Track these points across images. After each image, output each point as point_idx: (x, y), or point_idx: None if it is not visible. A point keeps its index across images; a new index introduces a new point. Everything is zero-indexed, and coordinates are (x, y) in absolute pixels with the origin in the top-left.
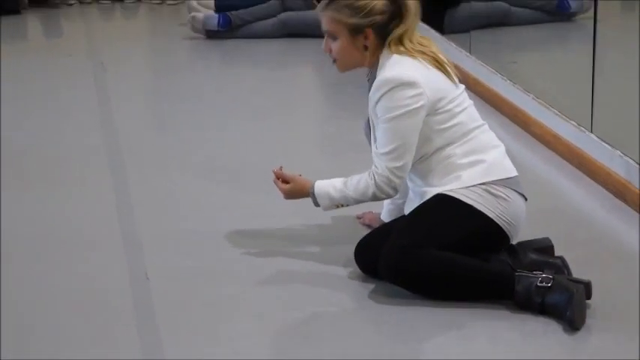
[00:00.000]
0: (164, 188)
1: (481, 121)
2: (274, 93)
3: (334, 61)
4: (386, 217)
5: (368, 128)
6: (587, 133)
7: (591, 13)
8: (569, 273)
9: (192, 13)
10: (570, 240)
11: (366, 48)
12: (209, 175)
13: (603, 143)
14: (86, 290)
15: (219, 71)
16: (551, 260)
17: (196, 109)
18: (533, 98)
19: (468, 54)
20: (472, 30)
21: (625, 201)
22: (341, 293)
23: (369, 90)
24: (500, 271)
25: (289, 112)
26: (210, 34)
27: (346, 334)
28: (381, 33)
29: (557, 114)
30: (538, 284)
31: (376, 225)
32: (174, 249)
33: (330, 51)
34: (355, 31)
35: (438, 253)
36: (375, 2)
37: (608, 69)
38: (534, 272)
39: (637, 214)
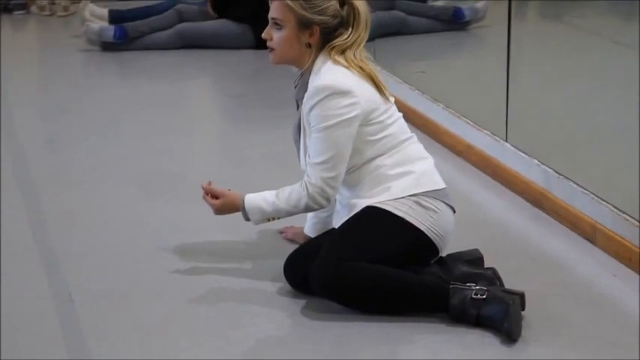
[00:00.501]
0: (78, 205)
1: (410, 134)
2: (177, 106)
3: (271, 50)
4: (310, 232)
5: (297, 134)
6: (501, 142)
7: (485, 22)
8: (502, 284)
9: (86, 24)
10: (494, 251)
11: (308, 46)
12: (123, 190)
13: (519, 152)
14: (8, 315)
15: (117, 84)
16: (482, 272)
17: (98, 123)
18: (443, 108)
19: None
20: (370, 39)
21: (543, 209)
22: (274, 310)
23: (298, 96)
24: (435, 283)
25: (195, 126)
26: (106, 46)
27: (285, 354)
28: (326, 36)
29: (469, 123)
30: (473, 296)
31: (300, 240)
32: (96, 268)
33: (271, 39)
34: (304, 24)
35: (371, 267)
36: (330, 3)
37: (516, 77)
38: (468, 284)
39: (556, 223)
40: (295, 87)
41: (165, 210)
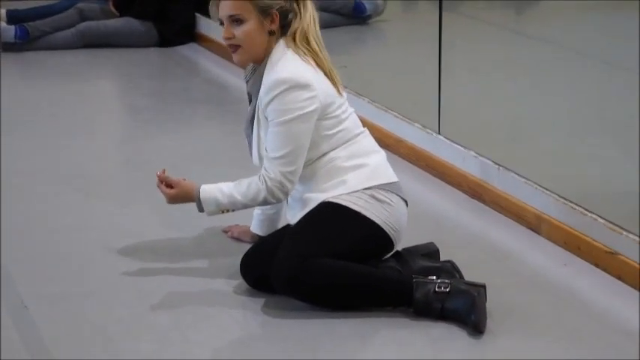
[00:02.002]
0: (18, 211)
1: (363, 128)
2: (89, 106)
3: (235, 49)
4: (256, 229)
5: (250, 128)
6: (434, 135)
7: (384, 16)
8: (461, 276)
9: None
10: (441, 244)
11: (271, 33)
12: (59, 193)
13: (455, 144)
14: None
15: (20, 85)
16: (441, 265)
17: (6, 126)
18: (368, 102)
19: None
20: None
21: (483, 201)
22: (235, 310)
23: (252, 90)
24: (398, 278)
25: (111, 126)
26: (7, 47)
27: (252, 354)
28: (283, 21)
29: (397, 116)
30: (436, 290)
31: (246, 238)
32: (46, 274)
33: (232, 37)
34: (264, 12)
35: (334, 262)
36: None
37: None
38: (430, 278)
39: (498, 214)
40: (247, 81)
41: (105, 211)
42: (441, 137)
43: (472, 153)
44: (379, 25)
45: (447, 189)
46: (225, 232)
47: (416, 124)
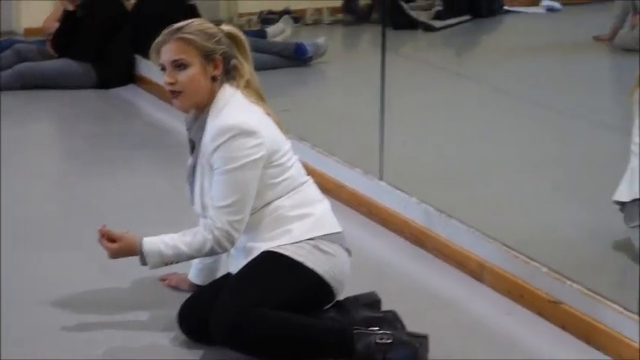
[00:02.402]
0: None
1: (307, 176)
2: (26, 148)
3: (176, 95)
4: (195, 278)
5: (192, 176)
6: (376, 180)
7: (325, 57)
8: (403, 327)
9: None
10: (382, 292)
11: (214, 79)
12: None
13: (397, 190)
14: None
15: None
16: (383, 315)
17: None
18: (310, 147)
19: None
20: None
21: (425, 248)
22: None
23: (195, 137)
24: (339, 329)
25: (47, 168)
26: None
27: None
28: (226, 66)
29: (339, 161)
30: (378, 341)
31: (184, 286)
32: None
33: (175, 82)
34: (208, 57)
35: (274, 313)
36: (219, 32)
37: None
38: (371, 329)
39: (440, 262)
40: (188, 128)
41: (41, 259)
42: (382, 183)
43: (414, 199)
44: (320, 67)
45: (390, 236)
46: (163, 280)
47: (357, 169)
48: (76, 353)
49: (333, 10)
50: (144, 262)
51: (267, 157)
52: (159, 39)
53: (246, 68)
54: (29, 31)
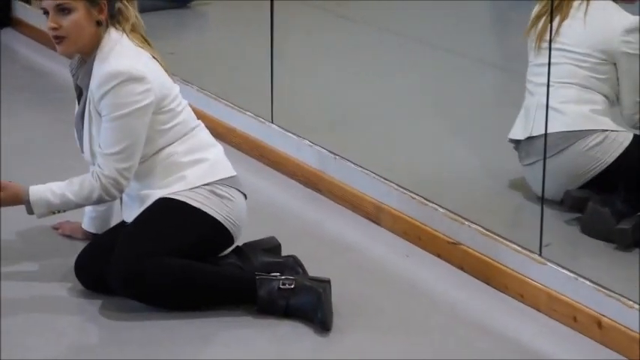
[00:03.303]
0: None
1: (198, 121)
2: None
3: (60, 40)
4: (88, 226)
5: (80, 123)
6: (267, 123)
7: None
8: (304, 271)
9: None
10: (277, 236)
11: (99, 24)
12: None
13: (289, 133)
14: None
15: None
16: (283, 260)
17: None
18: (197, 90)
19: None
20: None
21: (319, 191)
22: (72, 316)
23: (82, 83)
24: (240, 275)
25: None
26: None
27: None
28: (111, 10)
29: (228, 105)
30: (280, 287)
31: (78, 235)
32: None
33: (59, 27)
34: (92, 1)
35: (174, 261)
36: None
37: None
38: (273, 274)
39: (335, 204)
40: (73, 74)
41: None
42: (274, 126)
43: (306, 142)
44: (202, 9)
45: (282, 179)
46: (56, 229)
47: (248, 113)
48: None
49: None
50: (30, 212)
51: (157, 103)
52: None
53: (132, 12)
54: None
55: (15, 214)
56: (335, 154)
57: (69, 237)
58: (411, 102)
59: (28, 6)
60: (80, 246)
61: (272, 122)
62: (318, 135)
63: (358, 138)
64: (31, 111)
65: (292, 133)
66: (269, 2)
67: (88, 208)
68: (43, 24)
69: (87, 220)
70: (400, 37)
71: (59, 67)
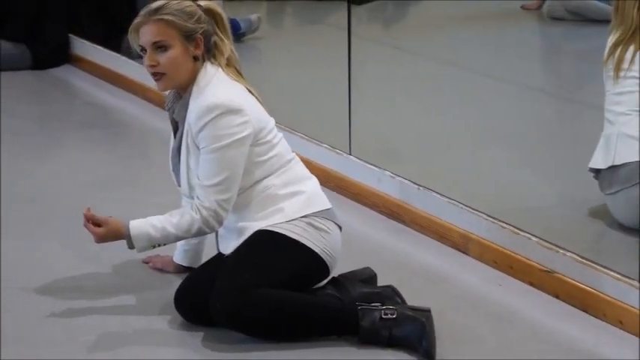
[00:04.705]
0: None
1: (293, 154)
2: None
3: (159, 77)
4: (180, 260)
5: (177, 157)
6: (345, 155)
7: (258, 33)
8: (403, 301)
9: None
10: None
11: (195, 59)
12: None
13: (368, 165)
14: None
15: None
16: (381, 290)
17: None
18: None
19: None
20: None
21: (403, 222)
22: (174, 347)
23: (178, 117)
24: (341, 306)
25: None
26: None
27: None
28: (207, 45)
29: (304, 137)
30: (382, 316)
31: (170, 268)
32: None
33: (157, 64)
34: (189, 37)
35: (275, 293)
36: (199, 11)
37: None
38: (374, 304)
39: (420, 235)
40: (168, 109)
41: (10, 249)
42: (352, 158)
43: (388, 173)
44: (254, 43)
45: (363, 210)
46: (146, 262)
47: (324, 145)
48: (70, 339)
49: None
50: (131, 246)
51: (254, 135)
52: (137, 20)
53: (227, 45)
54: None
55: (101, 249)
56: (418, 184)
57: (160, 270)
58: (481, 132)
59: (85, 41)
60: (174, 279)
61: (350, 154)
62: (396, 166)
63: (436, 168)
64: (100, 146)
65: (373, 165)
66: (322, 36)
67: (180, 242)
68: (102, 59)
69: (179, 253)
70: (463, 70)
71: (117, 102)
